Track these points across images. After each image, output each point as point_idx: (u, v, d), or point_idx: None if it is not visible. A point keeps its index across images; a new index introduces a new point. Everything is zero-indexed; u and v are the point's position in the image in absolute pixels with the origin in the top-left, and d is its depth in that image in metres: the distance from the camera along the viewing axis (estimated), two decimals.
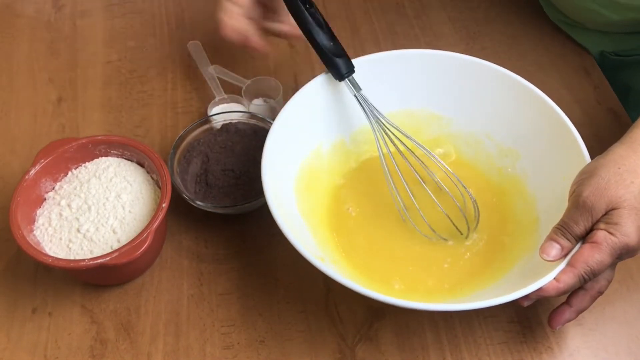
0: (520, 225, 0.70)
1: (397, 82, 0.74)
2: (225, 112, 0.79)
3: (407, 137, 0.69)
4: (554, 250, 0.58)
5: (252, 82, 0.85)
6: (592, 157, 0.79)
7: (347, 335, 0.67)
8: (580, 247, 0.57)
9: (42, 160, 0.69)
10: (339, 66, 0.70)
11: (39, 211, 0.69)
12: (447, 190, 0.70)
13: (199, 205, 0.71)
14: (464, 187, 0.70)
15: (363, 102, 0.70)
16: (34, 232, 0.67)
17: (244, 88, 0.85)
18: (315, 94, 0.72)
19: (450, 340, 0.66)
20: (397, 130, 0.69)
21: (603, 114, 0.83)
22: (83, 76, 0.90)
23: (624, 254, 0.56)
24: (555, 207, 0.63)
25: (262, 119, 0.77)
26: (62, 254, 0.66)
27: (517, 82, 0.72)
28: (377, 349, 0.66)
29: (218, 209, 0.72)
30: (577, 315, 0.61)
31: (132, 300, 0.69)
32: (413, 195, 0.69)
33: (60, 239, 0.66)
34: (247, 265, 0.72)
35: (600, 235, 0.56)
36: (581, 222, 0.58)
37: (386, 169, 0.69)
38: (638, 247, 0.56)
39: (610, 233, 0.56)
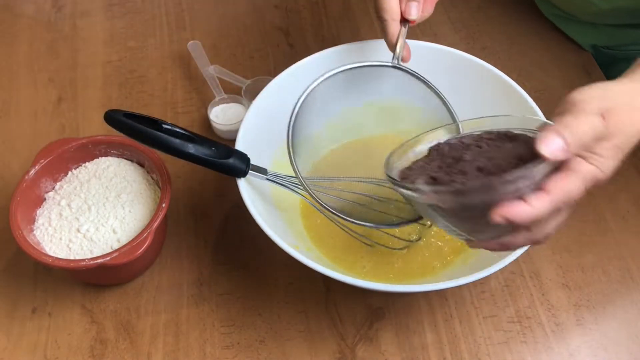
0: None
1: (362, 73, 0.72)
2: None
3: (341, 179, 0.68)
4: (555, 143, 0.45)
5: (252, 82, 0.85)
6: None
7: (347, 335, 0.67)
8: (556, 174, 0.48)
9: (42, 160, 0.69)
10: (235, 166, 0.63)
11: (39, 211, 0.69)
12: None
13: None
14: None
15: (278, 178, 0.65)
16: (34, 232, 0.67)
17: (244, 88, 0.85)
18: (287, 85, 0.72)
19: (450, 340, 0.66)
20: (332, 180, 0.68)
21: None
22: (83, 76, 0.90)
23: (589, 187, 0.48)
24: None
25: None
26: (62, 254, 0.66)
27: (474, 63, 0.72)
28: (377, 349, 0.66)
29: None
30: (501, 248, 0.52)
31: (132, 300, 0.69)
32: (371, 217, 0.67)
33: (60, 239, 0.66)
34: (247, 265, 0.72)
35: (582, 164, 0.48)
36: (595, 134, 0.47)
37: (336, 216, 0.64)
38: (602, 181, 0.49)
39: (592, 164, 0.48)
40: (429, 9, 0.67)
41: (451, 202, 0.49)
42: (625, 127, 0.49)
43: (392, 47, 0.65)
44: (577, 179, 0.47)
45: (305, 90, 0.64)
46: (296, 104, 0.63)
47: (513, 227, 0.49)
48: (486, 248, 0.53)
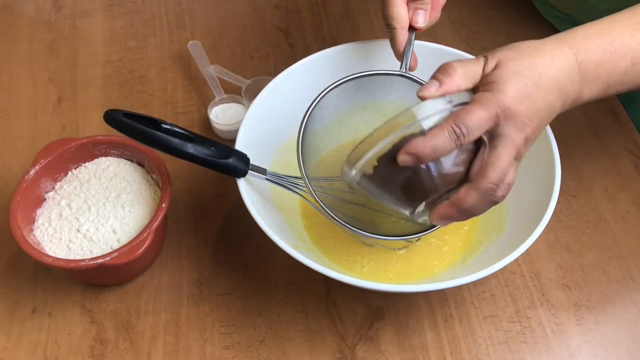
0: (487, 211, 0.70)
1: (368, 79, 0.72)
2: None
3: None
4: (433, 86, 0.52)
5: (252, 82, 0.85)
6: (591, 156, 0.79)
7: (347, 335, 0.67)
8: None
9: (42, 160, 0.69)
10: (234, 166, 0.62)
11: (39, 211, 0.69)
12: None
13: None
14: None
15: (277, 178, 0.65)
16: (34, 232, 0.67)
17: (244, 88, 0.85)
18: (287, 85, 0.72)
19: (450, 340, 0.66)
20: (331, 179, 0.67)
21: (603, 114, 0.83)
22: (83, 76, 0.90)
23: (501, 116, 0.50)
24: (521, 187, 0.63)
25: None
26: (62, 254, 0.66)
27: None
28: (377, 349, 0.66)
29: None
30: (460, 213, 0.53)
31: (132, 300, 0.69)
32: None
33: (60, 239, 0.67)
34: (247, 265, 0.72)
35: (481, 94, 0.52)
36: (469, 65, 0.53)
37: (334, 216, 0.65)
38: (516, 110, 0.50)
39: (486, 90, 0.51)
40: (436, 15, 0.67)
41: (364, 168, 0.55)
42: (511, 56, 0.53)
43: (400, 55, 0.65)
44: (476, 107, 0.50)
45: (314, 102, 0.64)
46: (305, 115, 0.63)
47: (447, 182, 0.52)
48: (447, 217, 0.54)
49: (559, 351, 0.65)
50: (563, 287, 0.69)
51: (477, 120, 0.50)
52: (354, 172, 0.56)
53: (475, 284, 0.70)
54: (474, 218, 0.71)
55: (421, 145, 0.50)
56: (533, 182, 0.65)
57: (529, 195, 0.65)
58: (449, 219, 0.54)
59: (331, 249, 0.70)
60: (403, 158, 0.51)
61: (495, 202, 0.52)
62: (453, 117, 0.50)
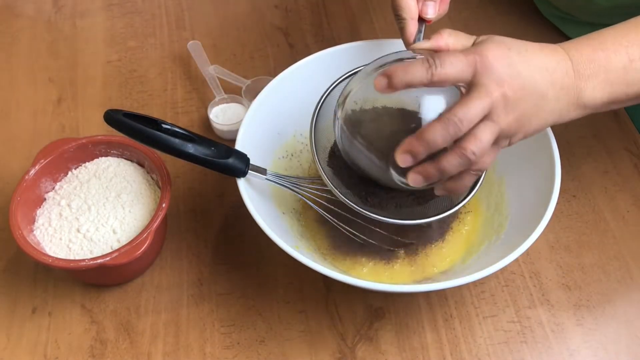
0: (487, 211, 0.71)
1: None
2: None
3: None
4: (423, 41, 0.59)
5: (252, 82, 0.85)
6: (591, 156, 0.79)
7: (347, 335, 0.67)
8: None
9: (42, 160, 0.69)
10: (234, 166, 0.63)
11: (39, 211, 0.69)
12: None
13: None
14: None
15: (277, 178, 0.65)
16: (34, 232, 0.67)
17: (244, 88, 0.85)
18: (287, 85, 0.72)
19: (450, 340, 0.66)
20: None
21: (603, 114, 0.83)
22: (83, 76, 0.90)
23: (478, 64, 0.52)
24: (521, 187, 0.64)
25: None
26: (62, 254, 0.66)
27: None
28: (377, 349, 0.66)
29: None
30: (422, 146, 0.52)
31: (132, 300, 0.69)
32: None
33: (60, 239, 0.67)
34: (247, 265, 0.72)
35: (466, 49, 0.55)
36: (460, 32, 0.58)
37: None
38: (494, 62, 0.52)
39: (475, 50, 0.54)
40: (445, 8, 0.67)
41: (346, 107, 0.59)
42: (491, 36, 0.56)
43: (409, 46, 0.65)
44: (456, 52, 0.54)
45: (324, 94, 0.64)
46: (318, 105, 0.64)
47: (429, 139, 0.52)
48: (408, 149, 0.53)
49: (559, 351, 0.65)
50: (563, 287, 0.69)
51: (453, 58, 0.52)
52: (339, 112, 0.59)
53: (475, 284, 0.70)
54: (474, 217, 0.71)
55: (394, 67, 0.53)
56: (533, 182, 0.65)
57: (529, 195, 0.65)
58: (411, 153, 0.53)
59: (331, 250, 0.70)
60: (377, 80, 0.53)
61: (465, 156, 0.52)
62: (437, 56, 0.53)
